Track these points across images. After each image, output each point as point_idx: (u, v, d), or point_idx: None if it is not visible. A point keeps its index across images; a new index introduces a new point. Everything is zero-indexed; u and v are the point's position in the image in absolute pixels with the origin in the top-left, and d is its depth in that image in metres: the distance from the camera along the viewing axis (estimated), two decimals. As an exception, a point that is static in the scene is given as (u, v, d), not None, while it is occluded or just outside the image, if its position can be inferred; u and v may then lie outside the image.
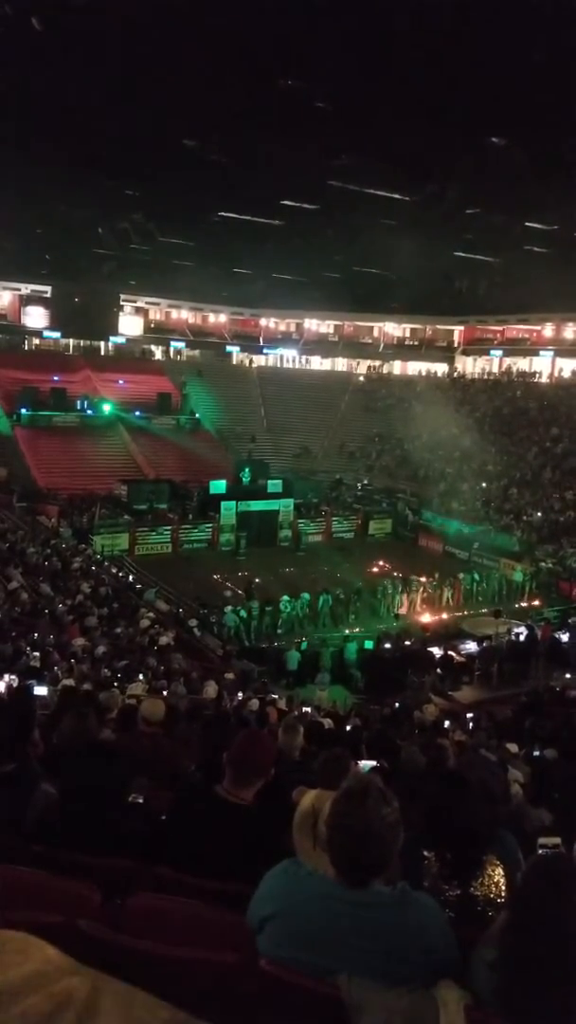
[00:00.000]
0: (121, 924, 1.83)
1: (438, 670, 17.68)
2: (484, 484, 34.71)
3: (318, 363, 55.07)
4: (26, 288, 47.60)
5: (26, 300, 47.95)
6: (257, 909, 1.84)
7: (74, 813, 2.83)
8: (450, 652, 18.49)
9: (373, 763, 5.93)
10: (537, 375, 46.58)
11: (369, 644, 19.08)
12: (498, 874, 2.44)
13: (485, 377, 49.04)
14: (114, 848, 2.57)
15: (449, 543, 29.71)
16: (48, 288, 47.48)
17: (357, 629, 20.85)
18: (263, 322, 55.49)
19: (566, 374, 45.46)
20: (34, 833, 2.71)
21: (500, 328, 50.82)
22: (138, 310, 52.09)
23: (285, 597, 21.40)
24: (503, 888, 2.39)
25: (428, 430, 40.29)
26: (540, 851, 2.88)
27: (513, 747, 8.05)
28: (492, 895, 2.37)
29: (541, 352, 47.01)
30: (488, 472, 35.67)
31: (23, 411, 38.30)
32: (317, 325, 55.83)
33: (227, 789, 2.70)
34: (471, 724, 12.17)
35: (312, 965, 1.65)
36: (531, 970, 1.61)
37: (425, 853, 2.45)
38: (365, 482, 38.11)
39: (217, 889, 2.22)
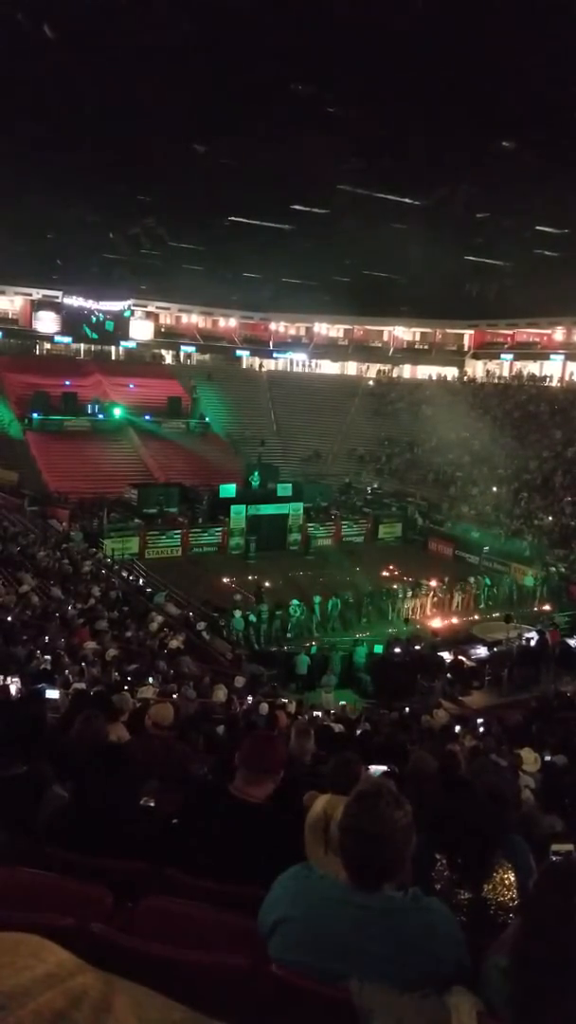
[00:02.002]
0: (133, 927, 1.84)
1: (448, 675, 17.61)
2: (495, 488, 34.61)
3: (328, 367, 55.11)
4: (37, 293, 47.92)
5: (37, 305, 48.27)
6: (268, 913, 1.84)
7: (85, 815, 2.83)
8: (460, 657, 18.42)
9: (383, 768, 5.91)
10: (548, 379, 46.44)
11: (379, 648, 19.03)
12: (510, 879, 2.42)
13: (495, 381, 48.94)
14: (125, 851, 2.58)
15: (460, 548, 29.63)
16: (59, 293, 47.78)
17: (367, 633, 20.81)
18: (273, 326, 55.57)
19: (577, 378, 45.31)
20: (46, 835, 2.72)
21: (510, 332, 50.69)
22: (148, 314, 52.33)
23: (295, 601, 21.39)
24: (515, 893, 2.37)
25: (438, 434, 40.27)
26: (553, 857, 2.86)
27: (531, 755, 8.00)
28: (504, 900, 2.36)
29: (552, 356, 46.87)
30: (499, 476, 35.57)
31: (35, 415, 38.56)
32: (327, 329, 55.89)
33: (239, 788, 2.70)
34: (481, 729, 12.12)
35: (323, 970, 1.65)
36: (544, 977, 1.60)
37: (437, 856, 2.45)
38: (375, 486, 38.09)
39: (228, 893, 2.22)
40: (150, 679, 12.81)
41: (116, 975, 0.69)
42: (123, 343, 50.41)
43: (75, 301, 48.09)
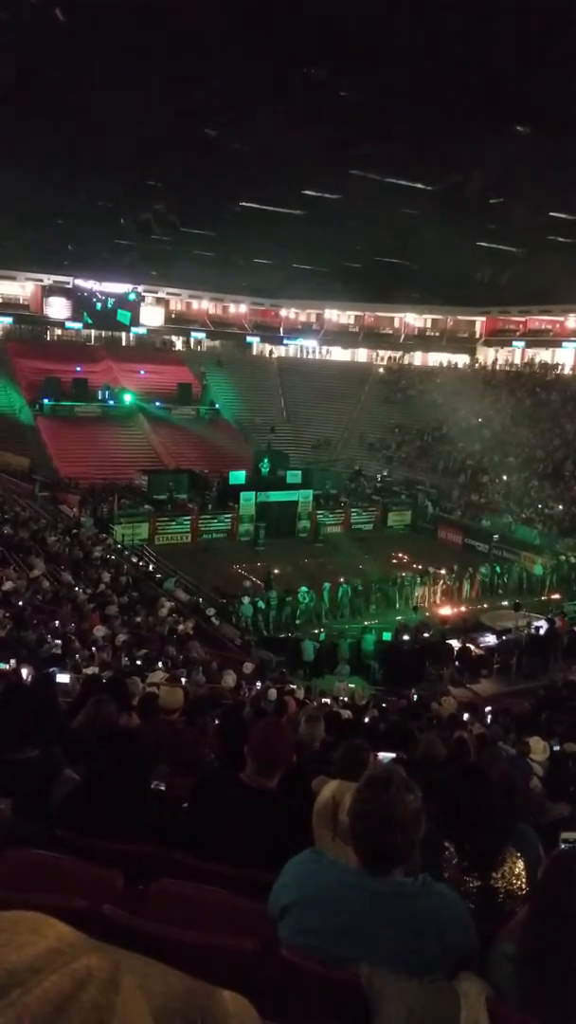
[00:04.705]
0: (143, 909, 1.85)
1: (456, 663, 17.62)
2: (505, 477, 34.45)
3: (338, 354, 54.85)
4: (48, 279, 47.83)
5: (48, 291, 48.20)
6: (278, 897, 1.85)
7: (96, 799, 2.86)
8: (468, 645, 18.41)
9: (392, 754, 5.93)
10: (560, 366, 46.07)
11: (387, 636, 19.06)
12: (519, 867, 2.43)
13: (507, 368, 48.59)
14: (136, 834, 2.60)
15: (470, 536, 29.57)
16: (69, 278, 47.68)
17: (375, 620, 20.84)
18: (283, 312, 55.28)
19: (590, 365, 44.89)
20: (57, 818, 2.74)
21: (522, 319, 50.21)
22: (159, 301, 52.17)
23: (303, 588, 21.43)
24: (524, 881, 2.38)
25: (449, 422, 40.08)
26: (562, 846, 2.87)
27: (539, 744, 8.00)
28: (513, 888, 2.37)
29: (564, 343, 46.46)
30: (509, 464, 35.39)
31: (45, 401, 38.67)
32: (337, 316, 55.53)
33: (251, 777, 2.71)
34: (489, 717, 12.14)
35: (333, 954, 1.66)
36: (551, 964, 1.60)
37: (446, 844, 2.45)
38: (384, 473, 37.98)
39: (238, 877, 2.23)
40: (159, 664, 12.90)
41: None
42: (133, 329, 50.34)
43: (80, 283, 47.92)
